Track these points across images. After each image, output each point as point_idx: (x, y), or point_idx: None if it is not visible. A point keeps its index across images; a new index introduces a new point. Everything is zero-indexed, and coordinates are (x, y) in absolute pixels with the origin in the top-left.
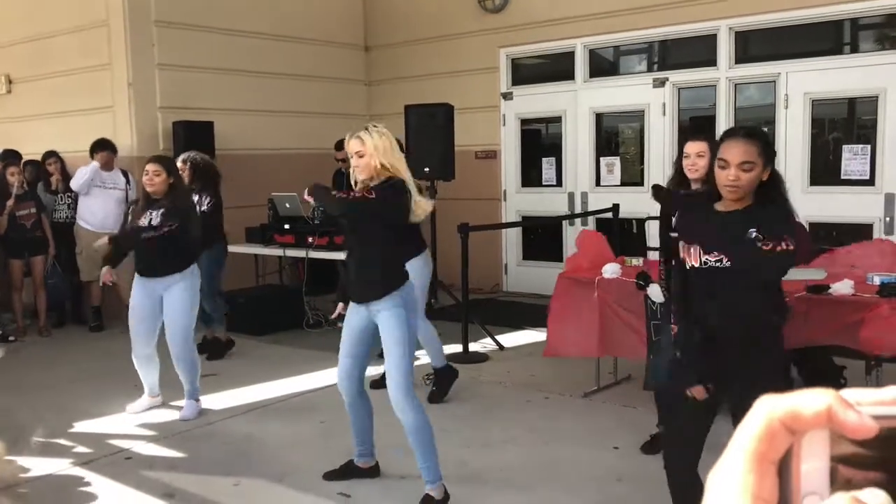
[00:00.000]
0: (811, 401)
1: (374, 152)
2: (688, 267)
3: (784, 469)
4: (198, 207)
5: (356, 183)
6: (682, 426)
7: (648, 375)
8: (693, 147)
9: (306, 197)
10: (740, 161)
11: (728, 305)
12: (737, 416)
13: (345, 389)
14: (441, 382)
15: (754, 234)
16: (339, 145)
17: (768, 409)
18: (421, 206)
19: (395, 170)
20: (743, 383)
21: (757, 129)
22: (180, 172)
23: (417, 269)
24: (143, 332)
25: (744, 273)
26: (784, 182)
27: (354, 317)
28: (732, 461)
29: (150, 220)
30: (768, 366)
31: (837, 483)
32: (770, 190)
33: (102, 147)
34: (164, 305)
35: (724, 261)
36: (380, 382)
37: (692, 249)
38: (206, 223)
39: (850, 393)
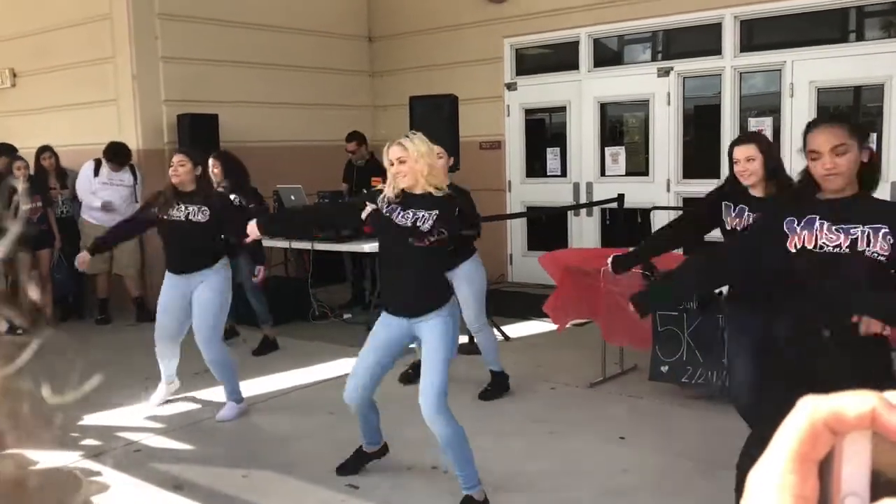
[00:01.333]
0: (855, 402)
1: (418, 157)
2: (793, 250)
3: (825, 469)
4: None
5: (393, 192)
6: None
7: (653, 367)
8: (742, 152)
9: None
10: (832, 146)
11: (839, 297)
12: None
13: (355, 400)
14: (496, 384)
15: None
16: (350, 137)
17: (811, 409)
18: None
19: (437, 177)
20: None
21: (841, 113)
22: (213, 168)
23: (470, 273)
24: (169, 328)
25: (864, 262)
26: (880, 165)
27: (389, 328)
28: (774, 461)
29: (188, 213)
30: (875, 365)
31: (880, 486)
32: (874, 174)
33: (115, 154)
34: (193, 305)
35: (843, 246)
36: (409, 377)
37: (807, 231)
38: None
39: (894, 395)
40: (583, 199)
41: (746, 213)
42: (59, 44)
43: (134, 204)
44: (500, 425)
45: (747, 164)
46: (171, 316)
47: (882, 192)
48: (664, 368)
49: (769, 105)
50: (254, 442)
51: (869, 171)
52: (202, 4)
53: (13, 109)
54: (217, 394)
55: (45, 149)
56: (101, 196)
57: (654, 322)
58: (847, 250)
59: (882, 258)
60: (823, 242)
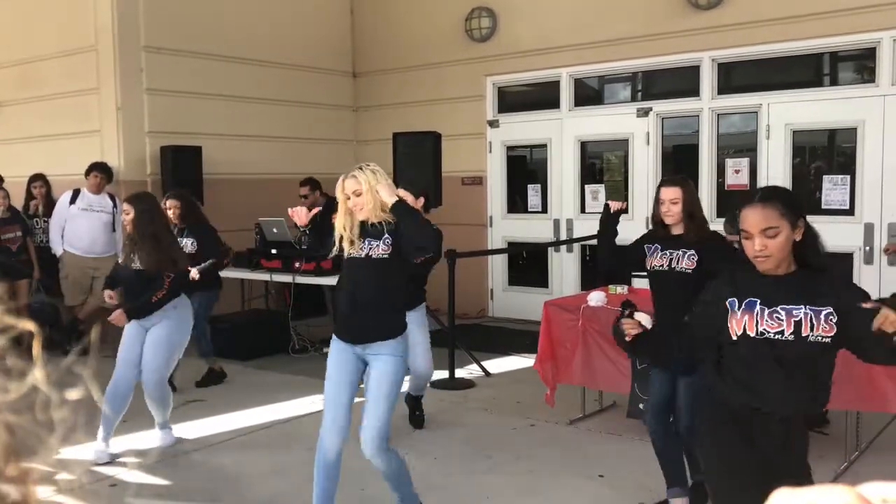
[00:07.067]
0: (832, 499)
1: (370, 188)
2: (734, 338)
3: None
4: (187, 248)
5: (351, 227)
6: None
7: (631, 404)
8: (667, 193)
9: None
10: (762, 228)
11: (783, 383)
12: None
13: (334, 444)
14: (418, 408)
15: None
16: (305, 181)
17: None
18: None
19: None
20: (786, 470)
21: (775, 190)
22: (171, 210)
23: (421, 319)
24: (124, 364)
25: (804, 348)
26: (819, 239)
27: (344, 356)
28: None
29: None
30: (802, 449)
31: None
32: (809, 252)
33: (95, 169)
34: (146, 341)
35: (787, 332)
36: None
37: (748, 315)
38: (211, 269)
39: (873, 488)
40: (563, 236)
41: (660, 253)
42: (44, 74)
43: (112, 233)
44: (479, 462)
45: (671, 206)
46: (125, 348)
47: (857, 233)
48: (642, 406)
49: (746, 145)
50: (232, 477)
51: (801, 249)
52: (187, 38)
53: None
54: (197, 428)
55: (37, 177)
56: (76, 223)
57: (633, 361)
58: (791, 336)
59: (827, 340)
60: (764, 329)
